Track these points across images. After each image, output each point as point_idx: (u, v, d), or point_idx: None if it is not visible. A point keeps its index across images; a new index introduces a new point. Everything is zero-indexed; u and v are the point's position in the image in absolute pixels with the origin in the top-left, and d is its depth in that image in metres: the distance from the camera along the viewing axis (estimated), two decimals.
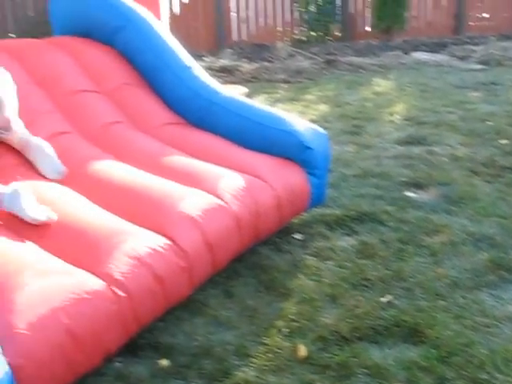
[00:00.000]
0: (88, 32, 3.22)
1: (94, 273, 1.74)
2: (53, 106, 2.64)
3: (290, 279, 2.35)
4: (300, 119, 2.89)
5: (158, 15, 3.58)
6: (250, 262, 2.47)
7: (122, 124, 2.71)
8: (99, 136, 2.59)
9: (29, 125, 2.44)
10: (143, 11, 3.17)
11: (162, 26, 3.20)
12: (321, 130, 2.87)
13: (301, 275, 2.39)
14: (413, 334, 2.00)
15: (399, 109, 5.22)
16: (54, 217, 1.95)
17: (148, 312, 1.86)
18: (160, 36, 3.06)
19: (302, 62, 7.16)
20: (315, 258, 2.53)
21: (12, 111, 2.38)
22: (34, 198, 2.00)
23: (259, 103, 3.14)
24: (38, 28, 8.79)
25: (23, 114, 2.46)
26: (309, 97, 5.84)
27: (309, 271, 2.42)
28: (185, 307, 2.11)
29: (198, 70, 3.00)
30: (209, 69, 5.68)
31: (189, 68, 2.97)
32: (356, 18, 9.41)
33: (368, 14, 9.30)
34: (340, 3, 9.30)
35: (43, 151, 2.31)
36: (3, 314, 1.51)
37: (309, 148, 2.68)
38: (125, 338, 1.80)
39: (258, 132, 2.72)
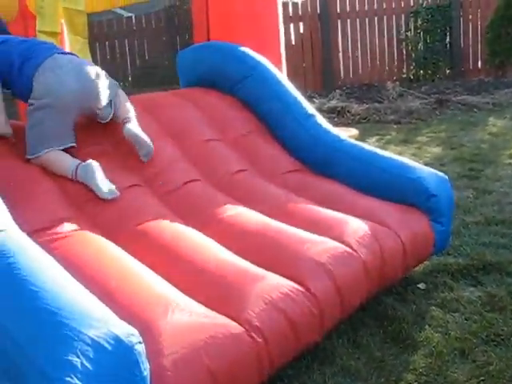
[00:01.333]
0: (212, 82, 3.42)
1: (232, 317, 1.83)
2: (182, 156, 2.80)
3: (416, 331, 2.32)
4: (423, 166, 2.89)
5: (280, 67, 3.73)
6: (375, 311, 2.47)
7: (247, 172, 2.83)
8: (226, 183, 2.72)
9: (161, 173, 2.62)
10: (266, 62, 3.33)
11: (283, 76, 3.34)
12: (444, 176, 2.85)
13: (427, 327, 2.35)
14: None
15: None
16: (117, 193, 2.38)
17: (281, 356, 1.91)
18: (283, 85, 3.20)
19: (412, 102, 7.09)
20: (441, 310, 2.48)
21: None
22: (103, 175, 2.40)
23: (371, 146, 3.17)
24: (151, 73, 9.48)
25: (156, 163, 2.66)
26: (421, 138, 5.77)
27: (435, 323, 2.38)
28: (313, 355, 2.15)
29: (320, 117, 3.10)
30: (318, 110, 5.76)
31: (312, 116, 3.07)
32: (467, 55, 9.20)
33: (479, 49, 9.08)
34: (449, 40, 9.16)
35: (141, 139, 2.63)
36: (154, 356, 1.61)
37: (433, 195, 2.66)
38: (259, 382, 1.86)
39: (382, 179, 2.75)
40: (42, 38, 3.60)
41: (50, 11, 3.73)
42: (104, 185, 2.39)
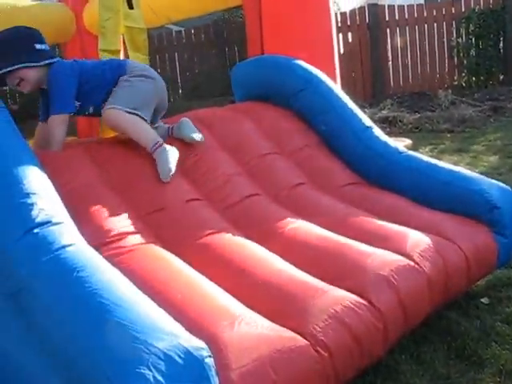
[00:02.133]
0: (267, 96, 3.43)
1: (296, 331, 1.82)
2: (241, 170, 2.81)
3: (482, 347, 2.25)
4: (484, 177, 2.82)
5: (334, 78, 3.72)
6: (438, 326, 2.41)
7: (305, 185, 2.83)
8: (286, 197, 2.72)
9: (221, 188, 2.63)
10: (321, 74, 3.32)
11: (339, 89, 3.33)
12: (507, 187, 2.78)
13: (493, 343, 2.28)
14: None
15: None
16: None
17: (346, 371, 1.89)
18: (339, 98, 3.19)
19: (466, 110, 6.93)
20: (507, 325, 2.40)
21: None
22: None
23: (425, 155, 3.11)
24: (201, 86, 9.60)
25: (216, 178, 2.67)
26: (476, 147, 5.63)
27: (502, 339, 2.30)
28: (376, 371, 2.11)
29: (377, 130, 3.07)
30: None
31: (369, 128, 3.05)
32: None
33: None
34: (503, 44, 8.94)
35: (187, 122, 2.80)
36: (221, 370, 1.61)
37: (496, 207, 2.60)
38: None
39: (442, 191, 2.71)
40: (105, 56, 3.73)
41: (111, 31, 3.87)
42: (171, 171, 2.45)
